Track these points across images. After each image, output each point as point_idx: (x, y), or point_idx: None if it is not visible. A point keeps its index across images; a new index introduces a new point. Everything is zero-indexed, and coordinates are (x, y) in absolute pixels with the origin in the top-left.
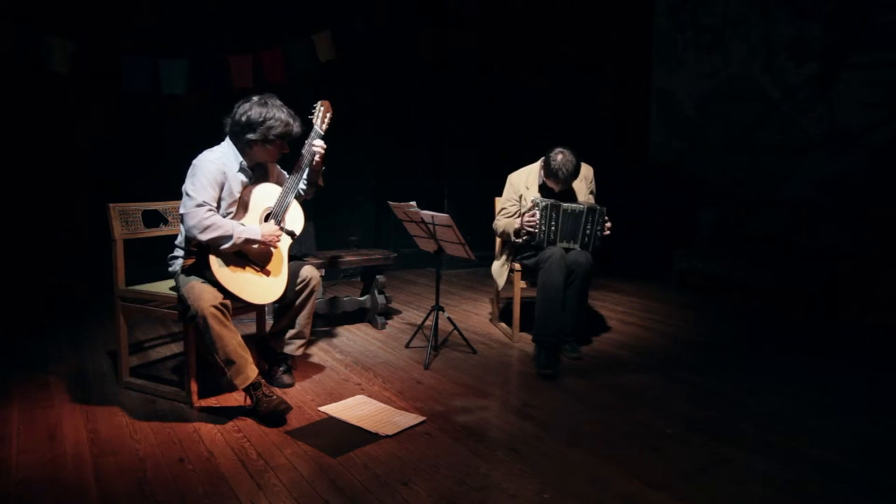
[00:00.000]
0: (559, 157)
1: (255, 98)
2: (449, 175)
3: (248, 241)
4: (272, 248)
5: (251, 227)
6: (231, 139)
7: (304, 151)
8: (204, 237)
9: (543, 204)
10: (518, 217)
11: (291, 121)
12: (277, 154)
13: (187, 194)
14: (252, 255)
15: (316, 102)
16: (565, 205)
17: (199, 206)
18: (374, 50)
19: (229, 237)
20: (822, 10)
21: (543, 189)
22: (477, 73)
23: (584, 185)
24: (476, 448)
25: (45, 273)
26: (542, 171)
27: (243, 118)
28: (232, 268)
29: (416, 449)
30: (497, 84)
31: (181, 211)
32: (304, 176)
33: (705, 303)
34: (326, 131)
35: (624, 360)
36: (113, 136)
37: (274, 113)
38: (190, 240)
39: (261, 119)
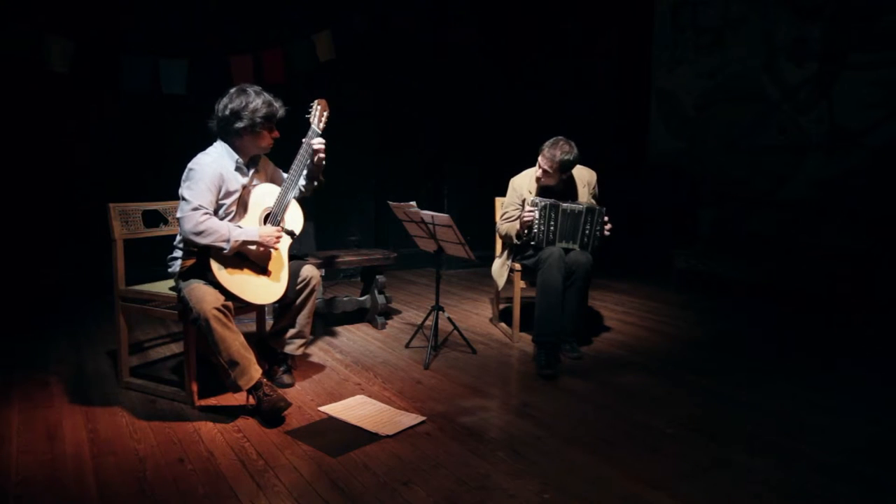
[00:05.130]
0: (559, 142)
1: (232, 90)
2: (449, 175)
3: (246, 243)
4: (272, 250)
5: (248, 228)
6: (221, 138)
7: (301, 149)
8: (200, 241)
9: (542, 204)
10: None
11: (273, 101)
12: (269, 140)
13: (184, 198)
14: (252, 256)
15: (313, 101)
16: (564, 205)
17: (195, 209)
18: (374, 49)
19: (226, 241)
20: (822, 10)
21: (545, 192)
22: (477, 72)
23: (586, 190)
24: (476, 448)
25: (46, 273)
26: (538, 167)
27: (226, 111)
28: (232, 269)
29: (416, 449)
30: (497, 83)
31: (178, 215)
32: (304, 173)
33: (705, 303)
34: (324, 129)
35: (624, 360)
36: (113, 137)
37: (253, 97)
38: (189, 242)
39: (243, 105)
